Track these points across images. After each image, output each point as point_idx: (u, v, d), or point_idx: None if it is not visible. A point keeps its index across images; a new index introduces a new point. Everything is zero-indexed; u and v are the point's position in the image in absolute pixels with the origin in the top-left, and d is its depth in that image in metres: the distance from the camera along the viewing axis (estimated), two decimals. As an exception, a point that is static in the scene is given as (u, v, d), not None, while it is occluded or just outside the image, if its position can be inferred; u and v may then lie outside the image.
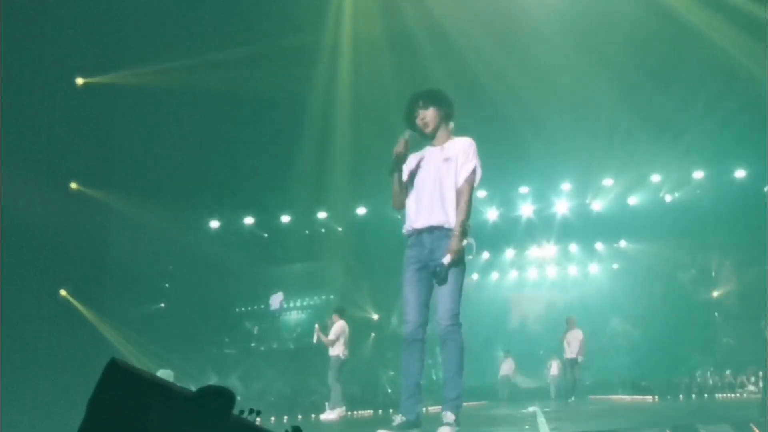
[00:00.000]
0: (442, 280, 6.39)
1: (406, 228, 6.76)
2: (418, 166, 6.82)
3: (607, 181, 27.21)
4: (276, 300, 25.26)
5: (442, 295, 6.44)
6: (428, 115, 6.81)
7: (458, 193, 6.61)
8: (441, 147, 6.80)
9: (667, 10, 17.86)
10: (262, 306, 32.08)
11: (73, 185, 19.23)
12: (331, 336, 16.95)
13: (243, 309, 32.06)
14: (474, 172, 6.66)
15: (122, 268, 21.22)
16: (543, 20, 18.73)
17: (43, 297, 18.06)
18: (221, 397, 2.77)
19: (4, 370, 14.79)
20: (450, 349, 6.41)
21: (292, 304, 31.95)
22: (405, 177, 6.82)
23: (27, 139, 17.31)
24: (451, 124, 6.93)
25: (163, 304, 27.12)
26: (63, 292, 18.94)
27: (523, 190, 27.90)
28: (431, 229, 6.58)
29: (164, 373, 15.10)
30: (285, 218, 28.37)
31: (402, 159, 6.75)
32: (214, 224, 28.11)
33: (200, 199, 24.55)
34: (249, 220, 28.45)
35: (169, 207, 22.06)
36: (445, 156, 6.71)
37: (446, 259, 6.35)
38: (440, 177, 6.65)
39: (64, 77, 18.55)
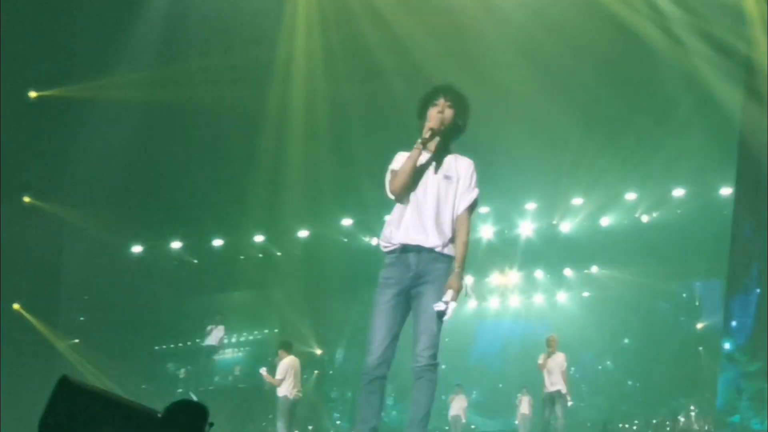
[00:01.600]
0: (441, 317, 6.25)
1: (388, 241, 6.53)
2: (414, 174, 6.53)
3: (577, 200, 27.08)
4: (215, 335, 25.06)
5: (425, 329, 6.32)
6: (448, 113, 6.65)
7: (458, 222, 6.50)
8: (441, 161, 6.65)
9: (638, 26, 18.43)
10: (191, 342, 31.72)
11: (27, 199, 21.00)
12: (279, 375, 16.76)
13: (168, 346, 31.73)
14: (477, 200, 6.63)
15: (77, 282, 22.49)
16: (507, 34, 19.18)
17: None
18: (194, 412, 2.88)
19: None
20: (423, 389, 6.29)
21: (227, 339, 31.71)
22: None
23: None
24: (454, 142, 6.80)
25: (77, 340, 26.76)
26: (16, 306, 19.89)
27: (483, 210, 27.74)
28: (420, 250, 6.39)
29: None
30: (217, 242, 28.39)
31: (434, 137, 6.56)
32: (137, 249, 27.97)
33: (125, 219, 24.43)
34: (176, 244, 28.43)
35: (99, 226, 22.45)
36: (446, 173, 6.57)
37: (448, 297, 6.24)
38: (439, 195, 6.50)
39: (16, 90, 19.82)
